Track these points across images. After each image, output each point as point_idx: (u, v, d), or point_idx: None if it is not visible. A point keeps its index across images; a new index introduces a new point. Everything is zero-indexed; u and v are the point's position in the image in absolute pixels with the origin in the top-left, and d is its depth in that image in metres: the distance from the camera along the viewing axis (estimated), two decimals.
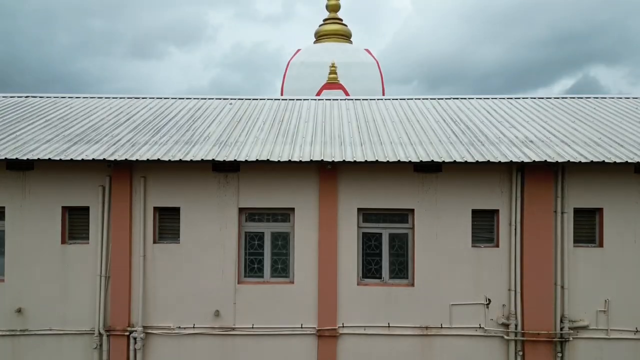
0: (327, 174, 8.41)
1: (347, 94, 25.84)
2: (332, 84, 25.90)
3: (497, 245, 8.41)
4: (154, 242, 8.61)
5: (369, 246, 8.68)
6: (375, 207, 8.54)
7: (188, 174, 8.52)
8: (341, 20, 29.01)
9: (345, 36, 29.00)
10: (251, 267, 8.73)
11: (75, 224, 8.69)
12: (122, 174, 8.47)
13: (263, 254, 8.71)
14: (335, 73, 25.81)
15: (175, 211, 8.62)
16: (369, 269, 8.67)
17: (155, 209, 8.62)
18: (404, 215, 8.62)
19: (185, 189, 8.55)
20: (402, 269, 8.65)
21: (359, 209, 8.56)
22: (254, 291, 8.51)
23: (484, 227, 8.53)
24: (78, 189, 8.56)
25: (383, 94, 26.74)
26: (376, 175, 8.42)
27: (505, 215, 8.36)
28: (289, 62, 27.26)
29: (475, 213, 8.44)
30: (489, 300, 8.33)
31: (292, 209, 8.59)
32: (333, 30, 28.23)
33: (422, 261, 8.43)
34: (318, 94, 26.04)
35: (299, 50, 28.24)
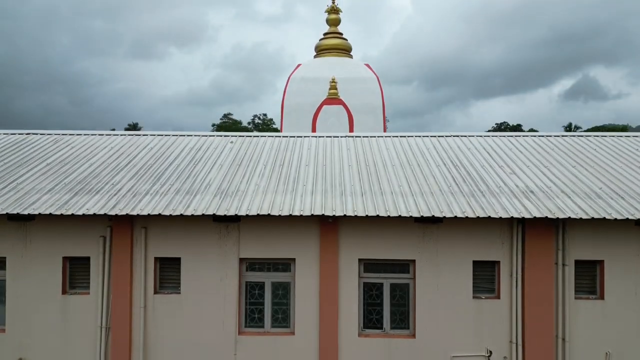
0: (328, 225, 8.42)
1: (347, 109, 25.87)
2: (333, 99, 25.94)
3: (499, 297, 8.41)
4: (155, 292, 8.61)
5: (370, 296, 8.69)
6: (376, 257, 8.55)
7: (189, 225, 8.53)
8: (341, 34, 29.09)
9: (346, 50, 29.07)
10: (252, 316, 8.72)
11: (75, 274, 8.70)
12: (123, 224, 8.48)
13: (263, 304, 8.71)
14: (336, 88, 25.84)
15: (176, 261, 8.63)
16: (370, 319, 8.67)
17: (156, 259, 8.63)
18: (405, 266, 8.63)
19: (186, 239, 8.56)
20: (403, 319, 8.65)
21: (359, 260, 8.57)
22: (255, 342, 8.50)
23: (485, 278, 8.54)
24: (79, 239, 8.57)
25: (383, 109, 26.77)
26: (377, 225, 8.43)
27: (506, 266, 8.37)
28: (289, 77, 27.32)
29: (476, 264, 8.45)
30: (490, 352, 8.32)
31: (293, 259, 8.60)
32: (333, 45, 28.30)
33: (423, 312, 8.43)
34: (318, 109, 26.09)
35: (299, 65, 28.27)
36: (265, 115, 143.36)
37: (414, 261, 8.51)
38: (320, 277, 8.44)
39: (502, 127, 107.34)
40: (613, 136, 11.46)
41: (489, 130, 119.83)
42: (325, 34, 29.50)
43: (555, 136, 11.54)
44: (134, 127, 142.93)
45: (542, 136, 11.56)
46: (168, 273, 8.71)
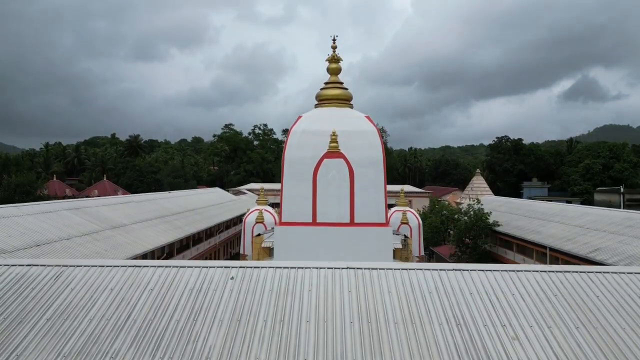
0: None
1: (347, 162, 26.00)
2: (333, 152, 26.03)
3: None
4: None
5: None
6: None
7: None
8: (342, 83, 29.23)
9: (346, 100, 29.21)
10: None
11: None
12: None
13: None
14: (337, 142, 25.93)
15: None
16: None
17: None
18: None
19: None
20: None
21: None
22: None
23: None
24: None
25: (384, 163, 26.83)
26: None
27: None
28: (290, 129, 27.43)
29: None
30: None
31: None
32: (334, 95, 28.41)
33: None
34: (319, 162, 26.17)
35: (300, 117, 28.34)
36: (265, 125, 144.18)
37: None
38: None
39: (503, 140, 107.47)
40: (620, 273, 11.35)
41: (489, 144, 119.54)
42: (326, 83, 29.64)
43: (557, 272, 11.45)
44: (135, 138, 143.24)
45: (544, 271, 11.48)
46: None
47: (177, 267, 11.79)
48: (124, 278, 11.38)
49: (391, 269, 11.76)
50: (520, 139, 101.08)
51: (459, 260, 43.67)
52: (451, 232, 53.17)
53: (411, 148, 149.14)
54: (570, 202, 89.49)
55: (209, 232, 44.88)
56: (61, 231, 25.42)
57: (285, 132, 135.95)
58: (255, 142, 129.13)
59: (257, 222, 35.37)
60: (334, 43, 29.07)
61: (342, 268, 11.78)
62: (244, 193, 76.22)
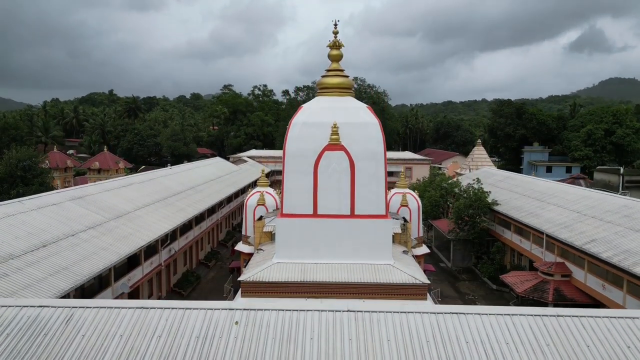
0: None
1: (348, 155, 26.14)
2: (334, 145, 26.07)
3: None
4: None
5: None
6: None
7: None
8: (343, 71, 28.73)
9: (347, 88, 28.86)
10: None
11: None
12: None
13: None
14: (337, 134, 25.95)
15: None
16: None
17: None
18: None
19: None
20: None
21: None
22: None
23: None
24: None
25: (385, 155, 26.87)
26: None
27: None
28: (291, 121, 27.30)
29: None
30: None
31: None
32: (336, 84, 28.07)
33: None
34: (320, 155, 26.28)
35: (301, 107, 28.07)
36: (265, 86, 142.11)
37: None
38: None
39: (504, 105, 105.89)
40: (619, 318, 11.73)
41: (492, 108, 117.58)
42: (327, 70, 29.16)
43: (554, 316, 11.82)
44: (134, 100, 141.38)
45: (539, 316, 11.86)
46: None
47: (182, 309, 12.19)
48: (132, 322, 11.80)
49: (390, 312, 12.15)
50: (523, 103, 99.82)
51: (457, 236, 44.44)
52: (450, 205, 53.74)
53: (412, 108, 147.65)
54: (570, 168, 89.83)
55: (211, 209, 45.41)
56: (66, 226, 25.81)
57: (286, 93, 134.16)
58: (255, 104, 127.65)
59: (258, 205, 35.77)
60: (335, 28, 28.36)
61: (343, 311, 12.17)
62: (245, 161, 76.35)
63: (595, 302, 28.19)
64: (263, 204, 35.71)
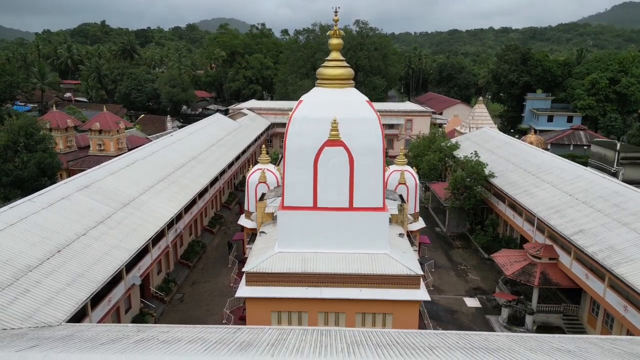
0: None
1: (347, 150, 26.96)
2: (334, 141, 26.70)
3: None
4: None
5: None
6: None
7: None
8: (343, 60, 28.62)
9: (348, 79, 28.88)
10: None
11: None
12: None
13: None
14: (337, 130, 26.57)
15: None
16: None
17: None
18: None
19: None
20: None
21: None
22: None
23: None
24: None
25: (383, 151, 27.58)
26: None
27: None
28: (291, 116, 27.69)
29: None
30: None
31: None
32: (336, 75, 28.17)
33: None
34: (320, 150, 27.05)
35: (301, 101, 28.19)
36: (263, 25, 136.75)
37: None
38: None
39: (508, 49, 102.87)
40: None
41: (498, 51, 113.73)
42: (328, 60, 29.02)
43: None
44: (129, 41, 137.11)
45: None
46: None
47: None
48: None
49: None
50: (529, 48, 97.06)
51: (453, 204, 45.81)
52: (449, 168, 54.66)
53: (416, 47, 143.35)
54: (572, 118, 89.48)
55: (214, 179, 46.36)
56: (77, 224, 26.94)
57: (285, 32, 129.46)
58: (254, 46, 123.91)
59: (260, 182, 36.80)
60: (336, 15, 27.86)
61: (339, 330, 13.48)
62: (245, 114, 75.96)
63: (578, 287, 30.07)
64: (264, 182, 36.74)
